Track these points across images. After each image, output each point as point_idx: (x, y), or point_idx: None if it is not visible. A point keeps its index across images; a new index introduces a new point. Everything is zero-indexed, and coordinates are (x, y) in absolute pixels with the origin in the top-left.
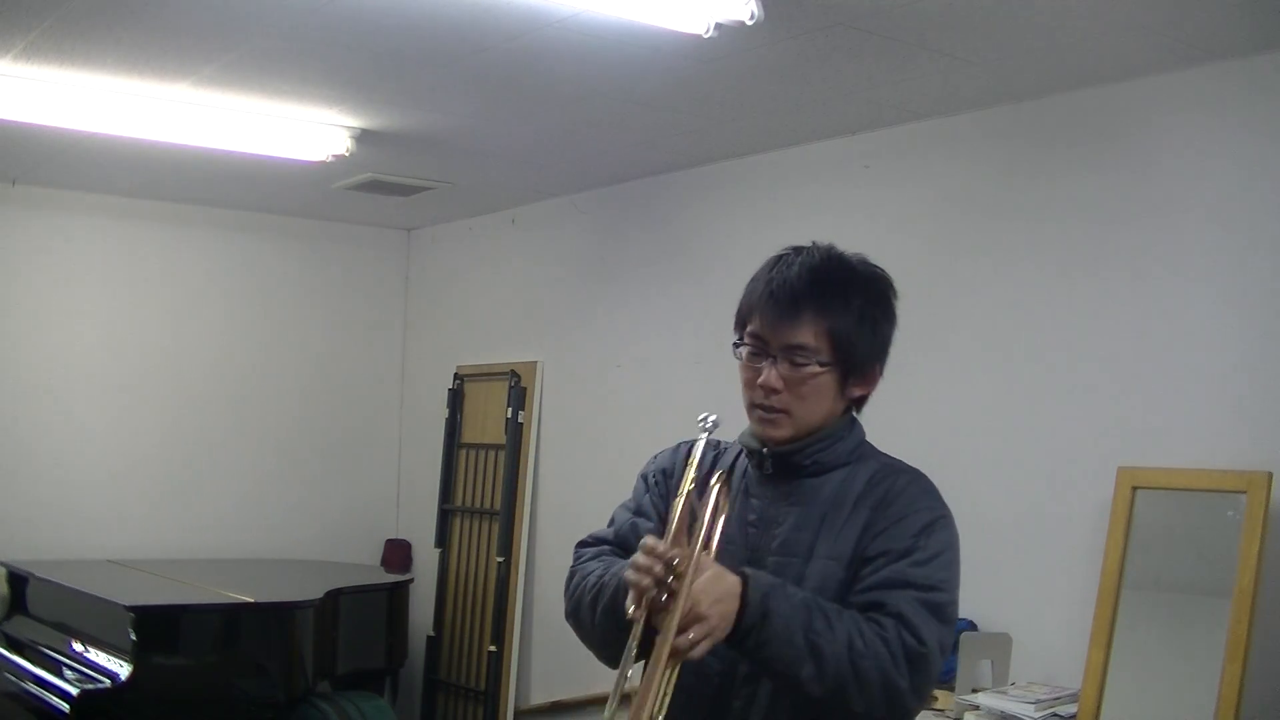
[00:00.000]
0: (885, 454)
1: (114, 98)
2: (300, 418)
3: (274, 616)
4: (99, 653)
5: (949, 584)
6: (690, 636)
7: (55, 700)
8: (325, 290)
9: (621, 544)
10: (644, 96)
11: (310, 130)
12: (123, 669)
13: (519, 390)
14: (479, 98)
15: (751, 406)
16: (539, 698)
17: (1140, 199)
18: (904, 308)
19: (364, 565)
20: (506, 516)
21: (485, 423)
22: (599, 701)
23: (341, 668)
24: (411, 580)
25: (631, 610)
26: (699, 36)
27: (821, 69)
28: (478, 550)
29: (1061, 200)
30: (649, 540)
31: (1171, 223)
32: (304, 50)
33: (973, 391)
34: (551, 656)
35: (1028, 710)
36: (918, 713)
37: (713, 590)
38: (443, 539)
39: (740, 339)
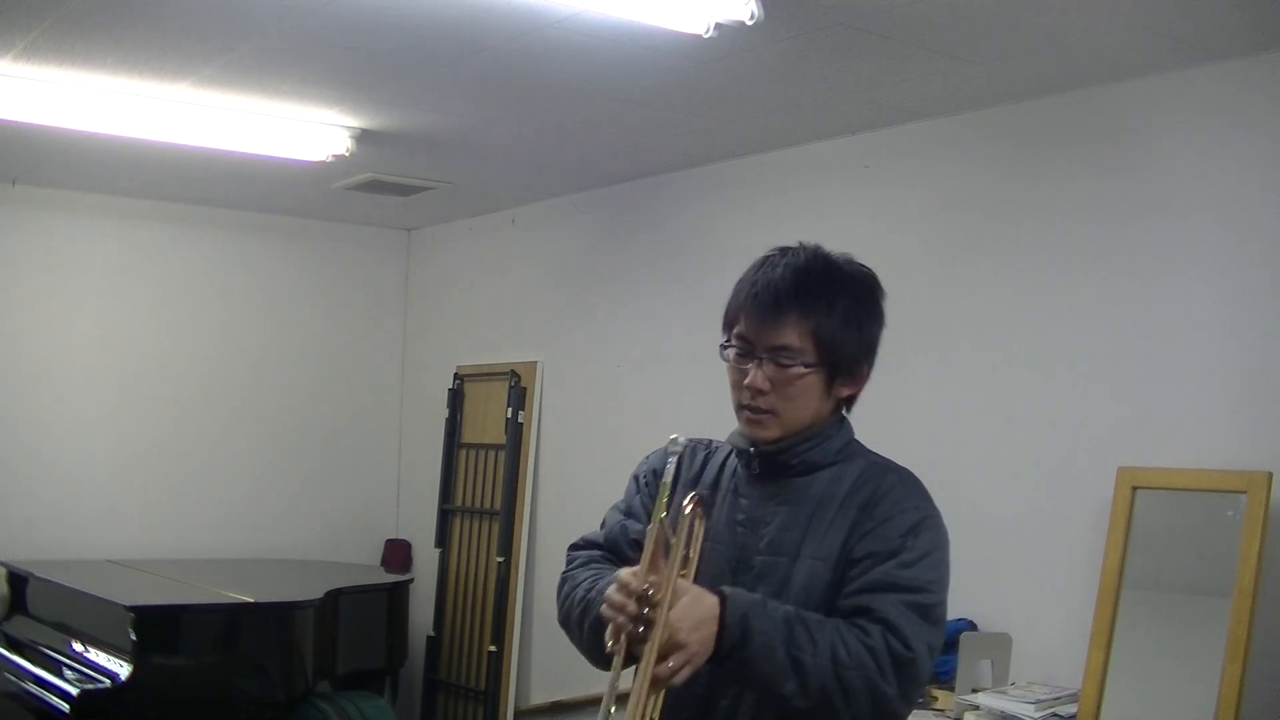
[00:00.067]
0: (874, 453)
1: (114, 98)
2: (300, 417)
3: (274, 616)
4: (99, 653)
5: (937, 585)
6: (670, 665)
7: (55, 700)
8: (325, 290)
9: (611, 547)
10: (644, 96)
11: (310, 130)
12: (123, 669)
13: (519, 390)
14: (479, 98)
15: (739, 407)
16: (539, 698)
17: (1140, 199)
18: (904, 307)
19: (364, 565)
20: (506, 516)
21: (485, 423)
22: (599, 701)
23: (341, 668)
24: (411, 580)
25: (610, 645)
26: (699, 36)
27: (821, 69)
28: (478, 550)
29: (1061, 200)
30: (622, 575)
31: (1171, 222)
32: (304, 50)
33: (973, 391)
34: (551, 656)
35: (1028, 710)
36: (907, 715)
37: (691, 615)
38: (443, 539)
39: (727, 340)
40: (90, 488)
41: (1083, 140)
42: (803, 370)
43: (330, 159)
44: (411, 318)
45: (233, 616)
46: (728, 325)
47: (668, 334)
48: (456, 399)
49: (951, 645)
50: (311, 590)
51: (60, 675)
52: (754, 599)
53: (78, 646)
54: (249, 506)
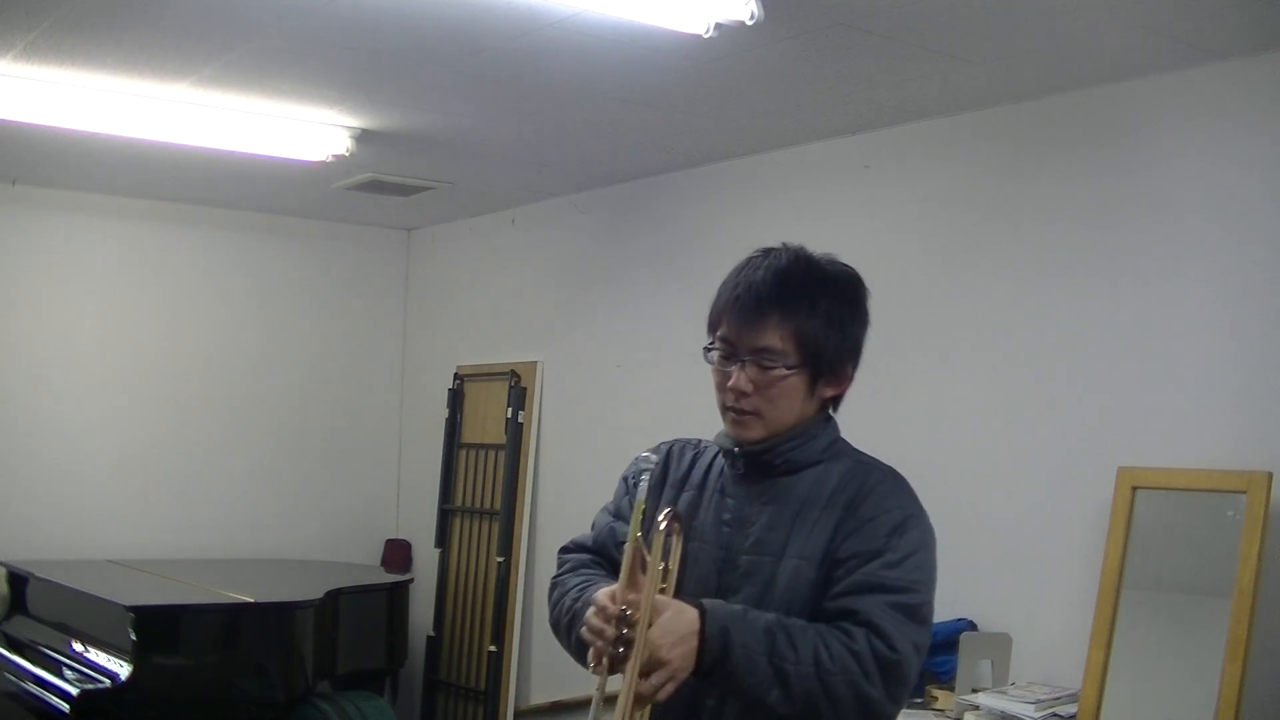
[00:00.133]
0: (860, 452)
1: (114, 98)
2: (300, 418)
3: (274, 616)
4: (99, 653)
5: (922, 584)
6: (652, 682)
7: (55, 700)
8: (325, 290)
9: (600, 550)
10: (644, 96)
11: (310, 130)
12: (123, 669)
13: (519, 390)
14: (479, 98)
15: (724, 409)
16: (539, 698)
17: (1140, 198)
18: (904, 307)
19: (364, 565)
20: (506, 516)
21: (485, 423)
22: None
23: (341, 668)
24: (411, 580)
25: (593, 668)
26: (699, 36)
27: (821, 69)
28: (478, 550)
29: (1061, 200)
30: (599, 598)
31: (1171, 222)
32: (304, 50)
33: (973, 391)
34: (551, 656)
35: (1028, 710)
36: (896, 716)
37: (671, 631)
38: (443, 539)
39: (711, 343)
40: (90, 488)
41: (1083, 140)
42: (785, 372)
43: (330, 159)
44: (411, 318)
45: (233, 616)
46: (711, 327)
47: (668, 334)
48: (456, 399)
49: (951, 645)
50: (311, 590)
51: (60, 675)
52: (734, 611)
53: (78, 646)
54: (249, 506)
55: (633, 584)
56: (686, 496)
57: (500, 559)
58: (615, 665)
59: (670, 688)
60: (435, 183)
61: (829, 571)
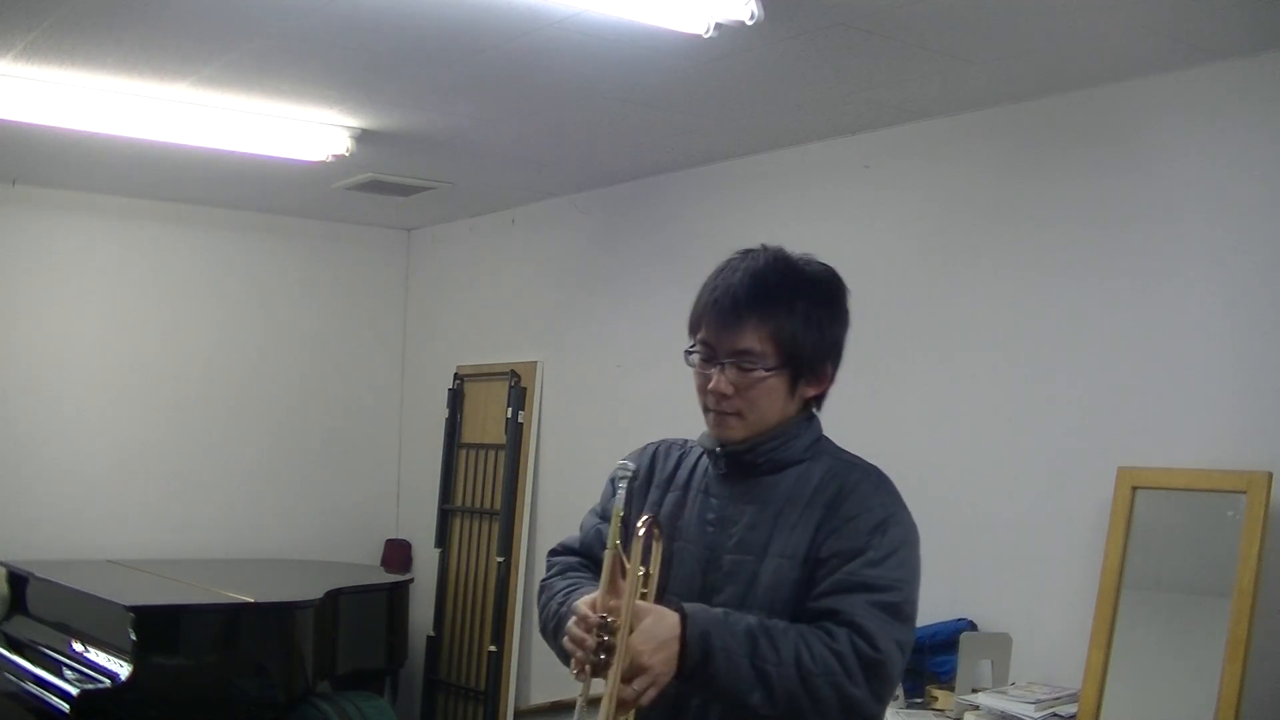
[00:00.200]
0: (843, 450)
1: (114, 98)
2: (300, 418)
3: (274, 616)
4: (99, 653)
5: (905, 582)
6: (634, 687)
7: (55, 700)
8: (325, 290)
9: (587, 553)
10: (644, 96)
11: (310, 130)
12: (123, 669)
13: (519, 390)
14: (479, 98)
15: (706, 410)
16: (539, 698)
17: (1140, 198)
18: (904, 308)
19: (364, 565)
20: (506, 516)
21: (485, 423)
22: (597, 701)
23: (341, 668)
24: (411, 580)
25: (575, 675)
26: (699, 36)
27: (821, 69)
28: (478, 550)
29: (1061, 200)
30: (580, 607)
31: (1172, 222)
32: (304, 50)
33: (973, 392)
34: (551, 656)
35: (1028, 710)
36: (882, 714)
37: (652, 637)
38: (443, 539)
39: (692, 345)
40: (90, 488)
41: (1083, 140)
42: (764, 373)
43: (330, 159)
44: (411, 318)
45: (233, 616)
46: (692, 330)
47: (668, 334)
48: (456, 399)
49: (951, 645)
50: (311, 590)
51: (60, 675)
52: (714, 615)
53: (78, 646)
54: (249, 506)
55: (613, 590)
56: (672, 497)
57: (500, 559)
58: (598, 672)
59: (652, 693)
60: (435, 183)
61: (811, 571)
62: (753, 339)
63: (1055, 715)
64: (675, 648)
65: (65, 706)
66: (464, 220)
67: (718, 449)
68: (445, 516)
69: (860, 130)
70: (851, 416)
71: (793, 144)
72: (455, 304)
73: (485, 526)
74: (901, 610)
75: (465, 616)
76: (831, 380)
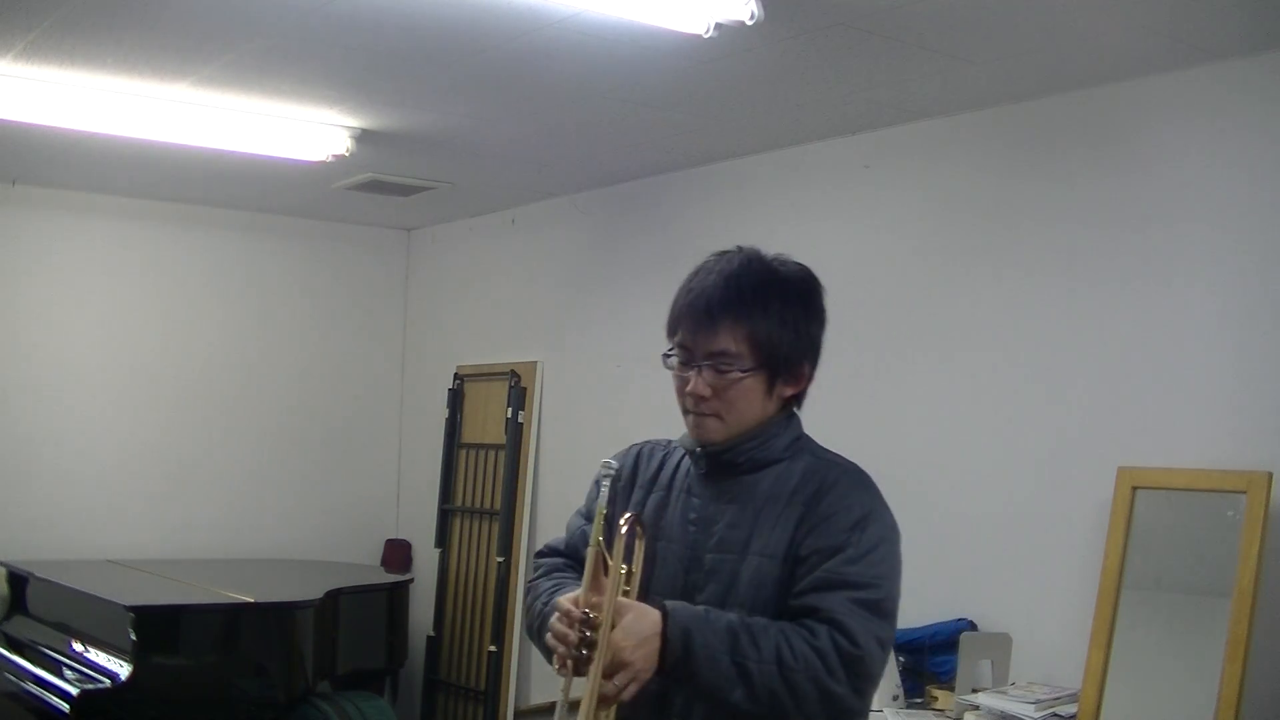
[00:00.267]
0: (823, 449)
1: (114, 98)
2: (300, 418)
3: (274, 616)
4: (99, 653)
5: (885, 579)
6: (615, 683)
7: (55, 700)
8: (325, 290)
9: (573, 554)
10: (644, 96)
11: (310, 130)
12: (123, 669)
13: (519, 390)
14: (479, 98)
15: (685, 412)
16: (539, 698)
17: (1140, 199)
18: (904, 308)
19: (364, 565)
20: (506, 516)
21: (485, 423)
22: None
23: (341, 668)
24: (411, 580)
25: (558, 670)
26: (699, 36)
27: (821, 69)
28: (478, 550)
29: (1061, 200)
30: (562, 603)
31: (1171, 222)
32: (304, 50)
33: (973, 392)
34: None
35: (1028, 710)
36: (865, 712)
37: (633, 633)
38: (443, 539)
39: (670, 348)
40: (90, 487)
41: (1083, 140)
42: (740, 375)
43: (330, 159)
44: (411, 318)
45: (233, 616)
46: (669, 333)
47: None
48: (456, 399)
49: (951, 645)
50: (311, 590)
51: (60, 675)
52: (695, 612)
53: (78, 646)
54: (249, 506)
55: (596, 588)
56: (655, 497)
57: (500, 559)
58: (580, 668)
59: (633, 688)
60: (435, 183)
61: (792, 568)
62: (728, 340)
63: (1055, 715)
64: (656, 644)
65: (65, 706)
66: (464, 220)
67: (698, 449)
68: (445, 516)
69: (860, 130)
70: (851, 416)
71: (793, 144)
72: (455, 304)
73: (485, 526)
74: (882, 607)
75: (465, 616)
76: (810, 379)
